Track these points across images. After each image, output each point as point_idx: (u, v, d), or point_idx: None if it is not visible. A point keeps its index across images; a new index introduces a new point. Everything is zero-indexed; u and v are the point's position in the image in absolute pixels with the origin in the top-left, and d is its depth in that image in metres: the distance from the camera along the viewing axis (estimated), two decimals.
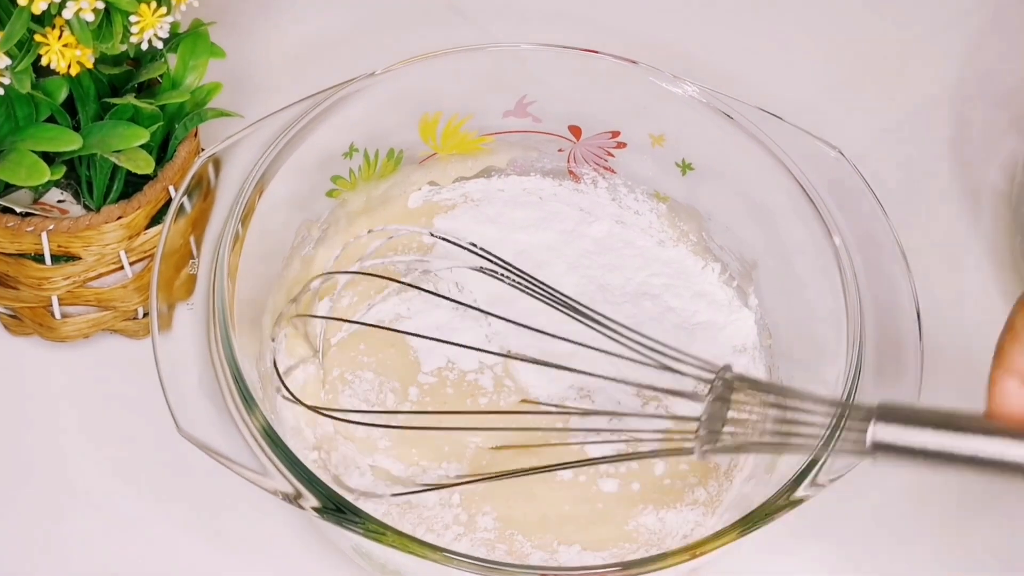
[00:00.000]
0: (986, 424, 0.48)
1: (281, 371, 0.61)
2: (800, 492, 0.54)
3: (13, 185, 0.62)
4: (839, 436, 0.51)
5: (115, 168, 0.62)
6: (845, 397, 0.57)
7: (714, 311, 0.66)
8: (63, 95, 0.61)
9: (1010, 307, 0.71)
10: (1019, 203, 0.72)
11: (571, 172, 0.70)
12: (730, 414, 0.53)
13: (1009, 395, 0.48)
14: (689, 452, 0.54)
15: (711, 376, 0.54)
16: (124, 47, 0.58)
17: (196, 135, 0.65)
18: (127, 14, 0.57)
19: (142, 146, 0.61)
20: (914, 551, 0.65)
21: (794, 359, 0.63)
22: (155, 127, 0.62)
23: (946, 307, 0.70)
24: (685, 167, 0.67)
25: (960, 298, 0.72)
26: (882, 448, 0.48)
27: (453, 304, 0.65)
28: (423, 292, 0.64)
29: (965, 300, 0.72)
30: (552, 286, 0.62)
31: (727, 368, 0.54)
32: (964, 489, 0.66)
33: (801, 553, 0.64)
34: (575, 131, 0.68)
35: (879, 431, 0.48)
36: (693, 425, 0.54)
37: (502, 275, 0.63)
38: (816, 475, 0.54)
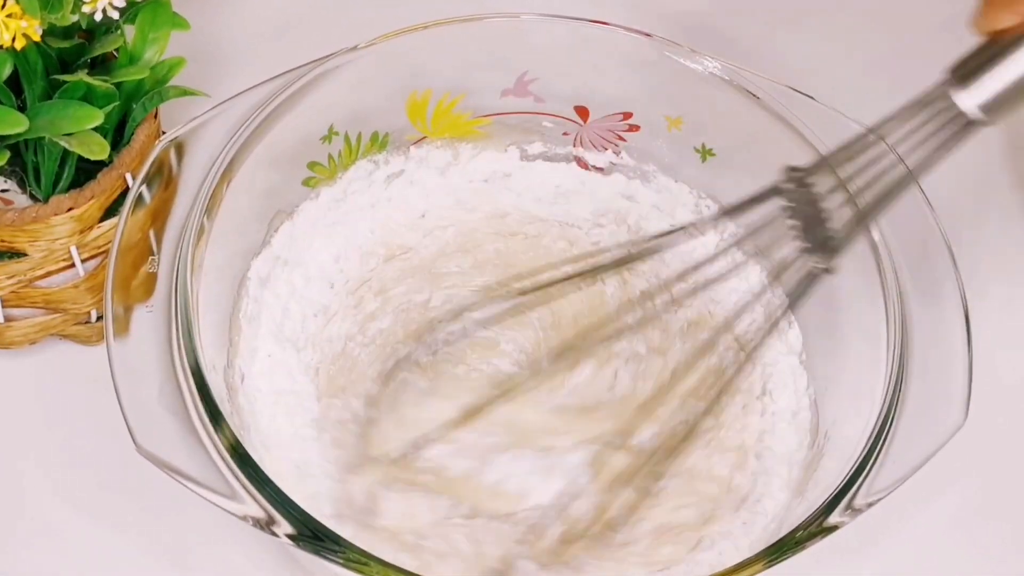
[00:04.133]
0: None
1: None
2: (834, 518, 0.54)
3: None
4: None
5: (65, 153, 0.62)
6: (886, 411, 0.57)
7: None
8: (7, 71, 0.60)
9: None
10: None
11: (577, 159, 0.70)
12: (821, 206, 0.53)
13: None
14: (826, 271, 0.53)
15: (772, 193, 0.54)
16: (75, 18, 0.58)
17: (156, 116, 0.65)
18: None
19: (96, 129, 0.61)
20: None
21: (830, 369, 0.63)
22: (110, 107, 0.62)
23: (997, 308, 0.70)
24: (705, 153, 0.67)
25: (1011, 298, 0.72)
26: (989, 107, 0.50)
27: None
28: None
29: (1016, 300, 0.72)
30: None
31: (785, 171, 0.54)
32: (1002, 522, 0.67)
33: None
34: (582, 112, 0.68)
35: (972, 95, 0.50)
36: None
37: None
38: (853, 498, 0.54)
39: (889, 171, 0.52)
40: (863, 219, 0.53)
